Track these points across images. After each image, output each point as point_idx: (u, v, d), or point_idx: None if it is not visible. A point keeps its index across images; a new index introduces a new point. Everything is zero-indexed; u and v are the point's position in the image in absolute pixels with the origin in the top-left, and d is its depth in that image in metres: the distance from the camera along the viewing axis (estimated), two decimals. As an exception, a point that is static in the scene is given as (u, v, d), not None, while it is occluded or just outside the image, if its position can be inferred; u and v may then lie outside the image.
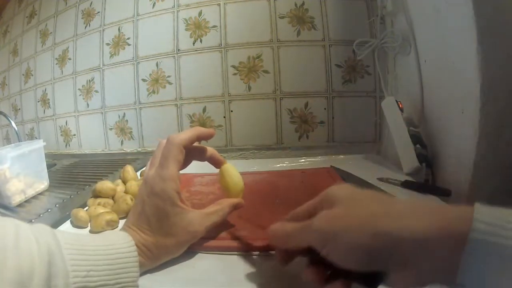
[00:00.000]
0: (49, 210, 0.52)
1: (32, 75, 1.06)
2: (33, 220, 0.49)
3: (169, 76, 0.85)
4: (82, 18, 0.95)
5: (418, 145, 0.56)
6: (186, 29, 0.83)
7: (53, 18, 1.01)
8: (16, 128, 0.95)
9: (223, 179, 0.40)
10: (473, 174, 0.43)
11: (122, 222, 0.44)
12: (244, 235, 0.38)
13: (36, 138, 1.04)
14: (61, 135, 1.01)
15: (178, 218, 0.33)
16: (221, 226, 0.39)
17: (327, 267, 0.25)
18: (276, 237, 0.29)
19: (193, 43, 0.83)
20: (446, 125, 0.51)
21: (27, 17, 1.10)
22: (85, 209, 0.48)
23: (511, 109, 0.40)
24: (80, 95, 0.96)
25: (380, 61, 0.73)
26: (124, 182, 0.57)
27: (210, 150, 0.40)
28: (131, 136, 0.91)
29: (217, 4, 0.81)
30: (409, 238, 0.21)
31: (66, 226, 0.46)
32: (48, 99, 1.02)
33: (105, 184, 0.52)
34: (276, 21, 0.79)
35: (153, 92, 0.87)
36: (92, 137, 0.96)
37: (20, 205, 0.57)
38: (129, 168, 0.60)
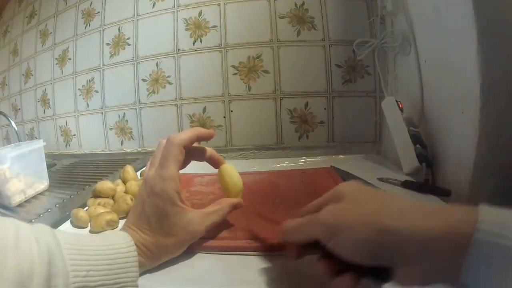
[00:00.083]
0: (49, 210, 0.52)
1: (32, 75, 1.06)
2: (33, 220, 0.49)
3: (169, 76, 0.85)
4: (82, 18, 0.95)
5: (418, 145, 0.56)
6: (186, 29, 0.83)
7: (53, 18, 1.02)
8: (16, 128, 0.95)
9: (222, 179, 0.40)
10: (473, 174, 0.43)
11: (122, 222, 0.44)
12: (244, 235, 0.38)
13: (36, 138, 1.04)
14: (61, 135, 1.01)
15: (178, 218, 0.33)
16: (221, 226, 0.39)
17: (337, 261, 0.25)
18: (286, 231, 0.30)
19: (193, 43, 0.83)
20: (446, 125, 0.51)
21: (27, 17, 1.10)
22: (85, 209, 0.48)
23: (511, 109, 0.40)
24: (80, 95, 0.96)
25: (380, 61, 0.73)
26: (124, 182, 0.57)
27: (209, 150, 0.40)
28: (131, 136, 0.91)
29: (217, 4, 0.81)
30: (413, 236, 0.21)
31: (66, 226, 0.46)
32: (48, 99, 1.02)
33: (105, 184, 0.52)
34: (276, 21, 0.79)
35: (153, 92, 0.87)
36: (92, 137, 0.96)
37: (20, 205, 0.57)
38: (129, 168, 0.60)
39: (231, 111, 0.82)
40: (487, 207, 0.20)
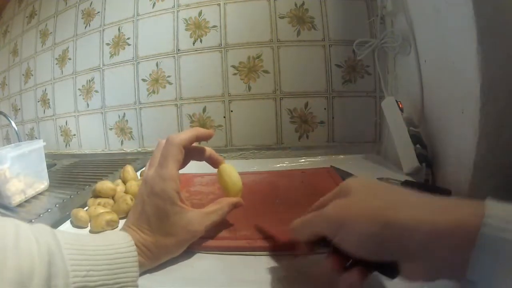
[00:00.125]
0: (49, 210, 0.53)
1: (32, 75, 1.06)
2: (33, 220, 0.49)
3: (169, 76, 0.85)
4: (82, 18, 0.95)
5: (418, 145, 0.56)
6: (186, 29, 0.83)
7: (53, 18, 1.01)
8: (16, 128, 0.95)
9: (222, 178, 0.40)
10: (473, 174, 0.43)
11: (122, 222, 0.44)
12: (244, 235, 0.39)
13: (36, 138, 1.04)
14: (61, 135, 1.01)
15: (177, 218, 0.33)
16: (221, 226, 0.39)
17: (345, 257, 0.26)
18: (294, 229, 0.30)
19: (193, 43, 0.83)
20: (446, 125, 0.51)
21: (27, 17, 1.10)
22: (85, 209, 0.48)
23: (511, 109, 0.40)
24: (80, 95, 0.96)
25: (380, 61, 0.73)
26: (124, 182, 0.57)
27: (208, 150, 0.40)
28: (131, 136, 0.91)
29: (217, 4, 0.81)
30: (418, 231, 0.21)
31: (66, 226, 0.46)
32: (48, 99, 1.02)
33: (105, 184, 0.52)
34: (276, 21, 0.79)
35: (153, 92, 0.87)
36: (92, 137, 0.96)
37: (20, 205, 0.57)
38: (129, 168, 0.60)
39: (231, 111, 0.82)
40: (494, 201, 0.20)
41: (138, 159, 0.85)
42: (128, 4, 0.88)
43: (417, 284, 0.23)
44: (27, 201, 0.59)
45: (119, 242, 0.30)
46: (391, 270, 0.24)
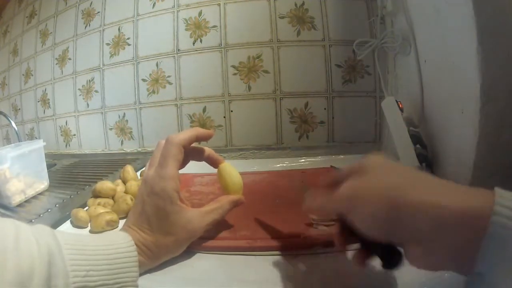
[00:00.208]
0: (49, 210, 0.53)
1: (32, 75, 1.06)
2: (33, 220, 0.49)
3: (169, 76, 0.85)
4: (82, 18, 0.95)
5: (418, 145, 0.56)
6: (186, 29, 0.83)
7: (53, 18, 1.01)
8: (16, 128, 0.95)
9: (222, 177, 0.40)
10: (473, 174, 0.42)
11: (122, 222, 0.44)
12: (244, 235, 0.39)
13: (36, 138, 1.04)
14: (61, 135, 1.01)
15: (177, 217, 0.33)
16: (221, 226, 0.39)
17: (354, 238, 0.27)
18: (310, 209, 0.31)
19: (193, 43, 0.83)
20: (446, 125, 0.51)
21: (27, 17, 1.10)
22: (85, 209, 0.48)
23: (511, 109, 0.40)
24: (80, 95, 0.96)
25: (380, 61, 0.73)
26: (124, 182, 0.57)
27: (208, 150, 0.40)
28: (131, 136, 0.91)
29: (217, 4, 0.81)
30: (428, 213, 0.21)
31: (66, 226, 0.46)
32: (48, 99, 1.02)
33: (105, 184, 0.52)
34: (276, 21, 0.79)
35: (153, 92, 0.87)
36: (92, 137, 0.96)
37: (20, 205, 0.57)
38: (129, 168, 0.60)
39: (231, 111, 0.82)
40: (503, 190, 0.19)
41: (138, 159, 0.85)
42: (128, 4, 0.88)
43: (420, 280, 0.23)
44: (27, 201, 0.59)
45: (119, 242, 0.30)
46: (394, 259, 0.25)
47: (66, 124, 1.00)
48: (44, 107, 1.04)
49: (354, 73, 0.78)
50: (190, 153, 0.39)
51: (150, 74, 0.86)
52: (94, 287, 0.27)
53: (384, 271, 0.27)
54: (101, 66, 0.91)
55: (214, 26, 0.81)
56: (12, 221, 0.27)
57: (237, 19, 0.80)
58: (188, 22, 0.83)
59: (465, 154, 0.44)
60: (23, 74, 1.09)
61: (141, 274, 0.31)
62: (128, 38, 0.88)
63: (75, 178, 0.73)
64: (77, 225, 0.45)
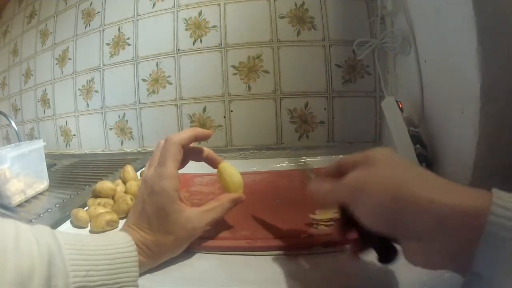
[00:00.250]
0: (49, 210, 0.53)
1: (32, 75, 1.06)
2: (33, 220, 0.49)
3: (169, 76, 0.85)
4: (82, 18, 0.95)
5: (418, 145, 0.56)
6: (186, 29, 0.83)
7: (53, 18, 1.01)
8: (16, 128, 0.95)
9: (221, 177, 0.40)
10: (473, 174, 0.42)
11: (122, 222, 0.44)
12: (244, 235, 0.38)
13: (36, 138, 1.04)
14: (61, 135, 1.01)
15: (177, 216, 0.33)
16: (221, 226, 0.39)
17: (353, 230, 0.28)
18: (319, 195, 0.30)
19: (193, 43, 0.83)
20: (446, 125, 0.51)
21: (27, 17, 1.10)
22: (85, 209, 0.48)
23: (511, 109, 0.40)
24: (80, 95, 0.96)
25: (380, 61, 0.73)
26: (124, 182, 0.57)
27: (207, 150, 0.41)
28: (131, 136, 0.91)
29: (217, 4, 0.81)
30: (430, 209, 0.21)
31: (66, 226, 0.46)
32: (48, 99, 1.02)
33: (105, 184, 0.52)
34: (276, 21, 0.79)
35: (153, 92, 0.87)
36: (92, 137, 0.96)
37: (20, 205, 0.57)
38: (129, 168, 0.60)
39: (231, 111, 0.82)
40: (501, 191, 0.19)
41: (138, 159, 0.85)
42: (128, 4, 0.88)
43: (420, 279, 0.23)
44: (27, 201, 0.59)
45: (119, 242, 0.30)
46: (388, 254, 0.26)
47: (66, 124, 1.00)
48: (44, 107, 1.04)
49: (354, 73, 0.78)
50: (190, 153, 0.39)
51: (150, 74, 0.86)
52: (94, 287, 0.27)
53: (384, 272, 0.27)
54: (101, 66, 0.91)
55: (214, 26, 0.81)
56: (12, 221, 0.27)
57: (237, 19, 0.80)
58: (188, 22, 0.83)
59: (465, 154, 0.44)
60: (23, 74, 1.09)
61: (141, 274, 0.31)
62: (128, 38, 0.88)
63: (75, 178, 0.73)
64: (77, 225, 0.45)
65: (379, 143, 0.79)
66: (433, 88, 0.55)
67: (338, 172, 0.28)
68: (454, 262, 0.21)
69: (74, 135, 0.98)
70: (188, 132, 0.37)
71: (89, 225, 0.44)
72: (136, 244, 0.31)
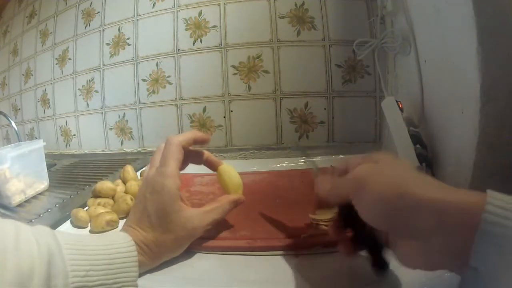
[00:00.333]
0: (49, 210, 0.53)
1: (32, 75, 1.06)
2: (33, 220, 0.49)
3: (169, 76, 0.85)
4: (82, 18, 0.95)
5: (418, 145, 0.56)
6: (186, 29, 0.83)
7: (53, 18, 1.01)
8: (16, 128, 0.95)
9: (221, 179, 0.41)
10: (473, 174, 0.42)
11: (122, 222, 0.44)
12: (244, 235, 0.39)
13: (36, 138, 1.04)
14: (61, 135, 1.01)
15: (177, 215, 0.33)
16: (221, 226, 0.39)
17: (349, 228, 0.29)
18: (324, 190, 0.31)
19: (193, 43, 0.83)
20: (446, 125, 0.51)
21: (27, 17, 1.10)
22: (85, 209, 0.48)
23: (511, 109, 0.40)
24: (80, 95, 0.96)
25: (380, 61, 0.73)
26: (124, 182, 0.57)
27: (206, 153, 0.42)
28: (131, 136, 0.91)
29: (217, 4, 0.81)
30: (431, 206, 0.21)
31: (66, 226, 0.46)
32: (48, 99, 1.02)
33: (105, 184, 0.52)
34: (276, 21, 0.79)
35: (153, 92, 0.87)
36: (92, 137, 0.96)
37: (20, 205, 0.57)
38: (129, 168, 0.60)
39: (231, 111, 0.82)
40: (495, 192, 0.20)
41: (138, 159, 0.85)
42: (128, 4, 0.88)
43: (420, 280, 0.23)
44: (27, 201, 0.59)
45: (119, 242, 0.30)
46: (380, 260, 0.26)
47: (66, 124, 1.00)
48: (44, 107, 1.04)
49: (354, 73, 0.78)
50: (189, 155, 0.39)
51: (150, 74, 0.86)
52: (93, 287, 0.27)
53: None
54: (101, 66, 0.91)
55: (214, 26, 0.81)
56: (12, 221, 0.27)
57: (237, 19, 0.80)
58: (188, 22, 0.83)
59: (465, 154, 0.44)
60: (23, 74, 1.09)
61: (141, 274, 0.31)
62: (128, 38, 0.88)
63: (75, 178, 0.73)
64: (77, 225, 0.45)
65: (379, 143, 0.79)
66: (433, 88, 0.55)
67: (345, 172, 0.29)
68: (453, 261, 0.21)
69: (74, 135, 0.98)
70: (188, 134, 0.38)
71: (89, 225, 0.44)
72: (137, 244, 0.31)
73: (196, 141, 0.39)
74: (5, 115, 0.96)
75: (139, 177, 0.63)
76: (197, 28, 0.82)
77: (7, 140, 1.18)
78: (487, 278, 0.19)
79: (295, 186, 0.55)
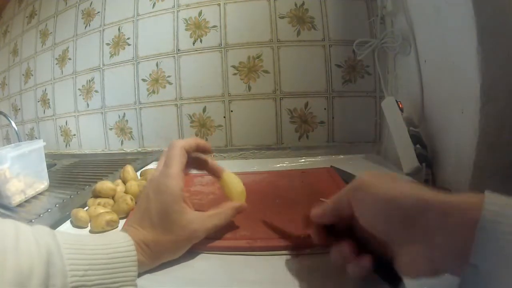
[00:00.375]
0: (49, 210, 0.52)
1: (32, 75, 1.06)
2: (33, 220, 0.49)
3: (169, 76, 0.85)
4: (82, 18, 0.95)
5: (418, 145, 0.56)
6: (186, 29, 0.83)
7: (53, 18, 1.02)
8: (16, 128, 0.95)
9: (226, 186, 0.41)
10: (473, 174, 0.43)
11: (122, 222, 0.44)
12: (244, 235, 0.39)
13: (36, 138, 1.04)
14: (61, 135, 1.01)
15: (178, 217, 0.33)
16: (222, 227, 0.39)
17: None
18: (318, 215, 0.30)
19: (193, 43, 0.83)
20: (446, 125, 0.51)
21: (27, 17, 1.10)
22: (85, 209, 0.48)
23: (511, 109, 0.40)
24: (80, 95, 0.96)
25: (380, 61, 0.73)
26: (124, 182, 0.57)
27: (210, 160, 0.42)
28: (131, 136, 0.91)
29: (217, 4, 0.81)
30: (433, 205, 0.22)
31: (66, 226, 0.46)
32: (48, 99, 1.02)
33: (105, 184, 0.52)
34: (276, 21, 0.79)
35: (153, 92, 0.87)
36: (92, 137, 0.96)
37: (20, 205, 0.57)
38: (129, 168, 0.60)
39: (231, 111, 0.82)
40: (492, 193, 0.20)
41: (138, 159, 0.85)
42: (128, 4, 0.88)
43: (420, 280, 0.23)
44: (27, 201, 0.59)
45: (118, 242, 0.30)
46: (393, 279, 0.25)
47: (66, 124, 1.00)
48: (44, 107, 1.04)
49: (354, 73, 0.79)
50: (193, 161, 0.40)
51: (150, 74, 0.86)
52: (92, 286, 0.27)
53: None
54: (101, 66, 0.91)
55: (214, 26, 0.81)
56: (12, 221, 0.27)
57: (237, 19, 0.80)
58: (188, 22, 0.83)
59: (465, 154, 0.44)
60: (23, 74, 1.09)
61: (140, 274, 0.31)
62: (128, 38, 0.88)
63: (75, 178, 0.73)
64: (77, 225, 0.45)
65: (379, 143, 0.79)
66: (433, 88, 0.55)
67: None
68: (453, 261, 0.21)
69: (74, 135, 0.98)
70: (191, 140, 0.39)
71: (89, 225, 0.44)
72: (137, 243, 0.31)
73: (198, 147, 0.39)
74: (5, 115, 0.96)
75: (139, 177, 0.63)
76: (197, 28, 0.82)
77: (7, 140, 1.18)
78: (487, 277, 0.19)
79: (295, 186, 0.55)
